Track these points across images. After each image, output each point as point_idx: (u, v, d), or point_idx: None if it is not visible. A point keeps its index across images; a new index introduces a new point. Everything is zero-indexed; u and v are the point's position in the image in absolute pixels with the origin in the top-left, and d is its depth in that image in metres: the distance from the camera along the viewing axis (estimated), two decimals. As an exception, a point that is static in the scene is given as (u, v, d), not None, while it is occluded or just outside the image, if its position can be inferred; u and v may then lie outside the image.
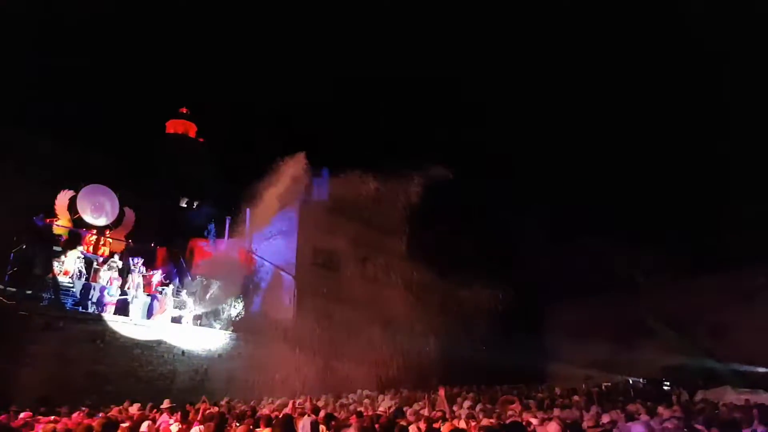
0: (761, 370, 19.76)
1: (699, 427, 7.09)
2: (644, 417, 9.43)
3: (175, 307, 19.51)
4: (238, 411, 12.13)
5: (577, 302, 27.56)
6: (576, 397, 16.11)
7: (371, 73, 71.74)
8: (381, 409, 14.03)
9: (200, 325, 19.67)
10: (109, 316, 17.30)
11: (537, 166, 61.71)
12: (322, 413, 10.92)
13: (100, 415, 10.54)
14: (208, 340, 19.04)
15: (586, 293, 27.67)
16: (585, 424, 8.35)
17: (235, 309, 21.41)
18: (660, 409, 10.99)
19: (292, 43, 72.63)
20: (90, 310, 17.39)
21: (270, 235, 25.33)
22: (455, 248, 31.30)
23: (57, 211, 19.94)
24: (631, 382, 18.68)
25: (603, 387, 18.69)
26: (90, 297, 17.78)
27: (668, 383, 18.47)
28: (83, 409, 11.71)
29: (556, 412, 11.93)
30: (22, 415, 9.84)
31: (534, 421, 8.18)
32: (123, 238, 21.56)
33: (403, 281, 27.91)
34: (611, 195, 45.58)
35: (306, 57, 71.10)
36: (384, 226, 28.08)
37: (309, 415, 8.64)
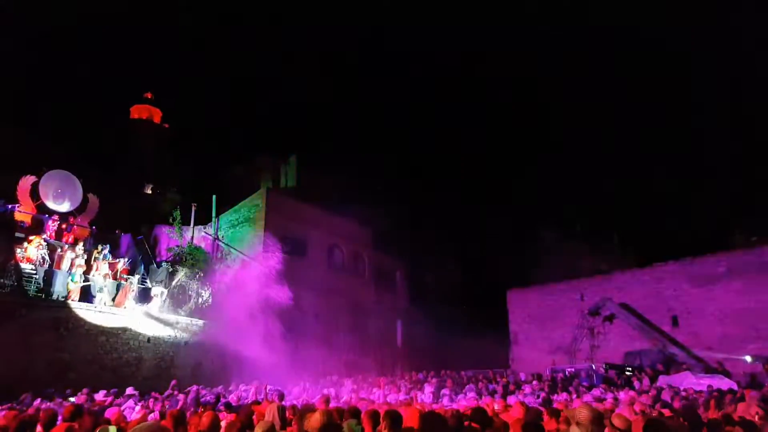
0: (720, 355, 20.37)
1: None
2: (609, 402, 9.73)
3: (141, 294, 19.19)
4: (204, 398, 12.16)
5: (541, 289, 28.12)
6: (536, 383, 16.50)
7: (348, 57, 71.32)
8: (345, 394, 14.24)
9: (166, 312, 19.39)
10: (73, 303, 16.90)
11: (505, 155, 62.68)
12: (287, 400, 11.05)
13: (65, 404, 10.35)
14: (174, 327, 18.82)
15: (549, 280, 28.25)
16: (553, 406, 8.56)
17: (201, 296, 21.15)
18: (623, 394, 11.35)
19: (259, 23, 71.44)
20: (53, 297, 16.99)
21: (237, 223, 25.12)
22: (421, 237, 31.76)
23: (19, 197, 19.34)
24: (593, 367, 19.10)
25: (566, 373, 19.15)
26: (53, 284, 17.37)
27: (630, 369, 18.97)
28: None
29: (520, 397, 12.23)
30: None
31: (497, 406, 8.20)
32: (87, 225, 21.05)
33: (370, 268, 28.15)
34: (576, 188, 46.83)
35: (272, 37, 70.04)
36: (351, 213, 28.17)
37: (274, 402, 8.67)
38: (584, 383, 16.05)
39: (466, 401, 10.82)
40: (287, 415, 7.68)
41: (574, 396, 12.33)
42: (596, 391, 13.09)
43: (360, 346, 25.09)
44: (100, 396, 11.91)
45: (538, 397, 12.44)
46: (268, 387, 13.46)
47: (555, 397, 12.42)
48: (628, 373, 18.25)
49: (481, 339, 27.14)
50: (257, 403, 9.54)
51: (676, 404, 9.71)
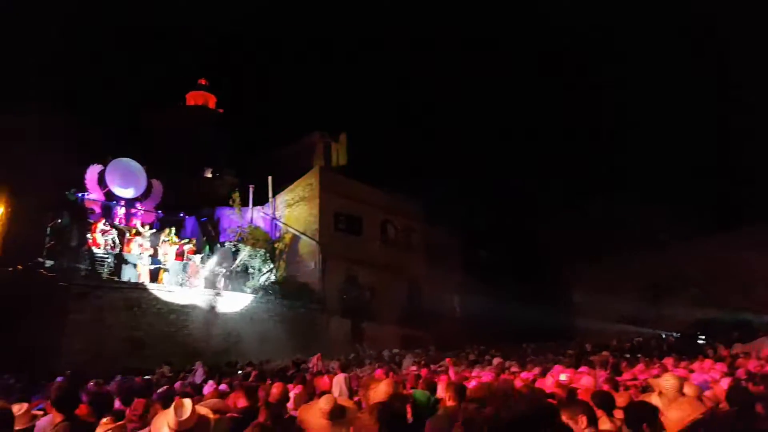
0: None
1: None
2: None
3: (206, 273, 19.62)
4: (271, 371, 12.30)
5: (605, 258, 27.03)
6: (606, 353, 15.85)
7: (391, 34, 70.52)
8: (405, 368, 14.07)
9: (231, 289, 19.77)
10: (144, 284, 17.48)
11: (556, 126, 60.71)
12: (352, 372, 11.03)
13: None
14: (239, 304, 19.18)
15: (614, 250, 27.08)
16: (622, 379, 8.10)
17: (263, 274, 21.49)
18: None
19: (304, 11, 71.29)
20: (125, 279, 17.56)
21: (292, 202, 25.26)
22: (475, 209, 31.11)
23: (87, 185, 19.98)
24: (663, 336, 18.13)
25: (635, 342, 18.36)
26: (124, 267, 17.95)
27: (703, 337, 17.87)
28: None
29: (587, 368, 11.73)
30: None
31: (564, 377, 7.76)
32: (152, 209, 21.60)
33: (423, 242, 27.83)
34: (634, 151, 44.74)
35: (320, 24, 69.76)
36: (403, 189, 27.88)
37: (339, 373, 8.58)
38: (654, 353, 15.32)
39: (533, 374, 10.44)
40: (352, 386, 7.56)
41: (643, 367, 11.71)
42: (667, 361, 12.43)
43: (417, 320, 24.93)
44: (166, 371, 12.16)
45: (607, 368, 11.91)
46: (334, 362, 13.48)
47: (624, 367, 11.86)
48: (700, 341, 17.26)
49: (543, 311, 26.41)
50: (321, 374, 9.51)
51: (754, 370, 9.03)
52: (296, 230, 23.93)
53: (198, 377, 11.80)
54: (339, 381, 6.67)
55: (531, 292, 27.19)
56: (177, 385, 9.74)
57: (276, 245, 23.87)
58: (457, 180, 35.74)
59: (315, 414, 3.08)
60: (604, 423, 3.50)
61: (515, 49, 63.18)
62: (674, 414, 3.81)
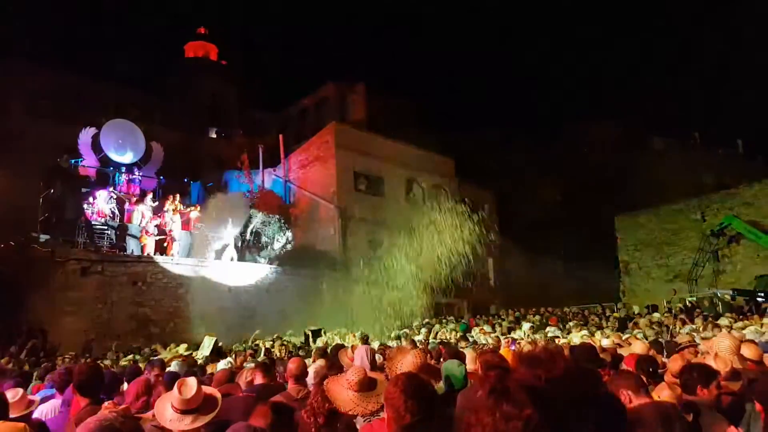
0: None
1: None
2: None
3: (217, 243, 19.37)
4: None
5: (654, 211, 26.01)
6: (656, 315, 15.40)
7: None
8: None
9: (245, 260, 19.44)
10: (149, 257, 17.24)
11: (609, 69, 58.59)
12: (375, 344, 10.67)
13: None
14: (254, 275, 18.92)
15: (663, 199, 26.03)
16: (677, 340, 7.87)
17: (279, 242, 21.16)
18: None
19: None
20: (128, 252, 17.29)
21: (306, 162, 24.64)
22: (511, 160, 30.04)
23: (81, 151, 19.59)
24: (719, 295, 17.43)
25: (687, 303, 17.66)
26: (126, 238, 17.67)
27: (762, 294, 17.07)
28: None
29: (635, 331, 11.43)
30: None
31: (607, 342, 7.74)
32: (154, 175, 21.28)
33: (454, 201, 27.08)
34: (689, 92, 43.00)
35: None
36: (429, 142, 26.97)
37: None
38: (709, 314, 14.62)
39: (574, 339, 10.02)
40: (376, 358, 7.30)
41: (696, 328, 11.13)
42: (723, 322, 11.79)
43: (449, 285, 24.41)
44: (182, 349, 11.91)
45: (656, 331, 11.41)
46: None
47: (675, 330, 11.36)
48: (760, 299, 16.47)
49: (586, 271, 25.72)
50: (343, 346, 9.26)
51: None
52: (312, 193, 23.35)
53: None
54: (361, 353, 6.30)
55: (575, 250, 26.42)
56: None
57: (291, 210, 23.39)
58: (493, 128, 34.37)
59: (343, 385, 3.11)
60: (655, 390, 3.39)
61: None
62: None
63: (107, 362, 11.17)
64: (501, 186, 29.05)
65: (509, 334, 13.21)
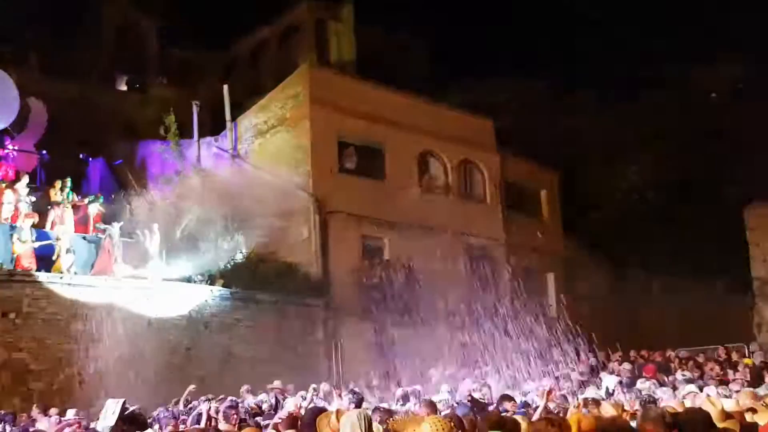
0: None
1: None
2: None
3: (129, 253, 19.53)
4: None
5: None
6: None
7: None
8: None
9: (172, 278, 19.54)
10: (27, 274, 17.23)
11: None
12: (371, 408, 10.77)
13: None
14: (187, 302, 19.00)
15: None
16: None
17: (224, 250, 21.30)
18: None
19: None
20: (-7, 267, 17.32)
21: (266, 128, 24.72)
22: (580, 125, 30.19)
23: None
24: None
25: None
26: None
27: None
28: None
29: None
30: None
31: (729, 405, 7.61)
32: (33, 149, 21.33)
33: (494, 185, 27.25)
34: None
35: None
36: (453, 96, 27.10)
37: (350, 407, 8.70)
38: None
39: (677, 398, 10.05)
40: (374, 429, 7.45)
41: None
42: None
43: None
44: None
45: None
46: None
47: None
48: None
49: (698, 294, 25.87)
50: (323, 410, 9.37)
51: None
52: (275, 175, 23.41)
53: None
54: (351, 420, 6.39)
55: (679, 261, 26.55)
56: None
57: (241, 201, 23.39)
58: (555, 76, 34.50)
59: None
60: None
61: None
62: None
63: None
64: (567, 162, 29.22)
65: (582, 389, 13.28)
